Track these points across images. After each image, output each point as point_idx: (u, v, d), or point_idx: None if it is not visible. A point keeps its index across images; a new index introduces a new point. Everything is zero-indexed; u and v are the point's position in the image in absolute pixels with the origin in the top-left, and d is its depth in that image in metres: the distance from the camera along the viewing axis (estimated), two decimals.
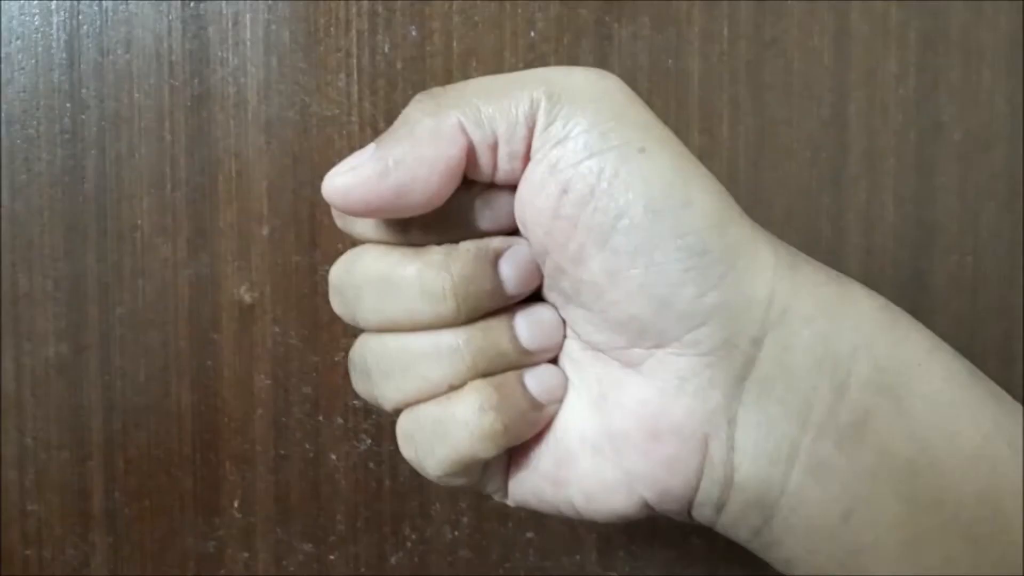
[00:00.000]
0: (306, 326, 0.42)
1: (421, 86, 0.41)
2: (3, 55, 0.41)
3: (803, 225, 0.42)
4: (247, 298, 0.42)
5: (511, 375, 0.27)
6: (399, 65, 0.41)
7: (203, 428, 0.42)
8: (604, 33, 0.41)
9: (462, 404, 0.26)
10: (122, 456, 0.42)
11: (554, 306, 0.28)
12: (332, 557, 0.43)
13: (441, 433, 0.27)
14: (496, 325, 0.27)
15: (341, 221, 0.28)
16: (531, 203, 0.26)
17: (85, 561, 0.42)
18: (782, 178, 0.42)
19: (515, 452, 0.28)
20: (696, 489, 0.26)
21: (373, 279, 0.27)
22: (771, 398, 0.25)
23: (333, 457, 0.43)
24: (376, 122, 0.41)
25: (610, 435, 0.27)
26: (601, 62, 0.41)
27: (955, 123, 0.42)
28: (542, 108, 0.25)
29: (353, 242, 0.28)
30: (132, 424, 0.42)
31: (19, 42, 0.41)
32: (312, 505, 0.43)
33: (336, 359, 0.42)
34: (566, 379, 0.28)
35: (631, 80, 0.41)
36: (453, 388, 0.27)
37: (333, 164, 0.41)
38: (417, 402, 0.27)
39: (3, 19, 0.41)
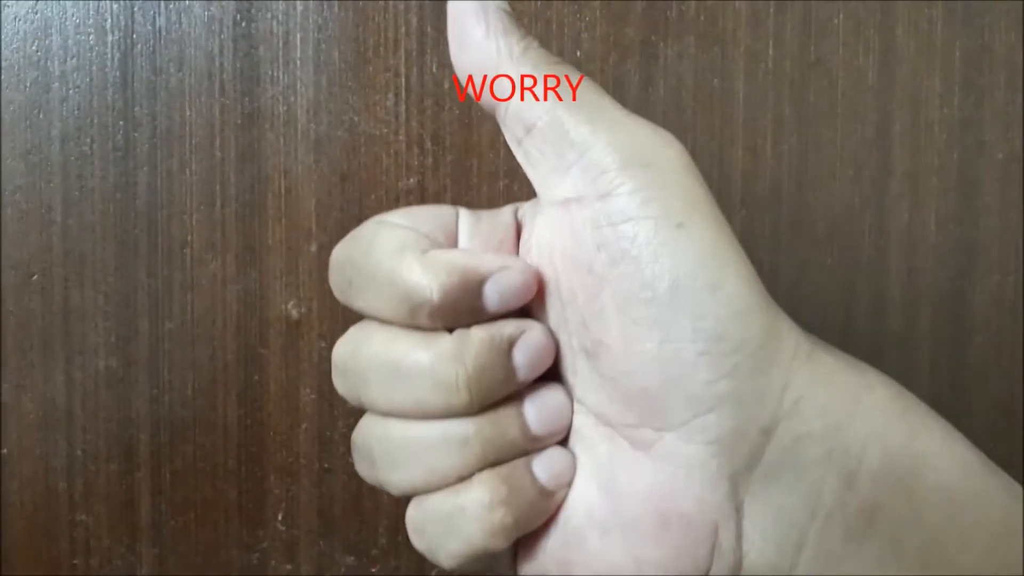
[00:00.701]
0: None
1: (467, 105, 0.42)
2: (58, 74, 0.42)
3: (845, 244, 0.43)
4: (294, 313, 0.43)
5: (519, 464, 0.27)
6: (446, 85, 0.42)
7: (249, 441, 0.43)
8: (650, 52, 0.42)
9: (471, 499, 0.26)
10: (169, 468, 0.43)
11: (567, 375, 0.28)
12: (374, 570, 0.43)
13: (452, 529, 0.26)
14: (505, 413, 0.27)
15: (342, 295, 0.28)
16: (570, 251, 0.26)
17: (131, 571, 0.43)
18: (825, 197, 0.42)
19: (524, 535, 0.28)
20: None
21: (381, 365, 0.26)
22: (780, 487, 0.25)
23: None
24: (423, 141, 0.42)
25: (619, 519, 0.26)
26: (647, 81, 0.42)
27: (999, 143, 0.42)
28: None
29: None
30: (179, 437, 0.43)
31: (74, 61, 0.42)
32: (354, 519, 0.43)
33: None
34: (575, 461, 0.28)
35: (676, 99, 0.42)
36: (462, 479, 0.26)
37: (380, 182, 0.42)
38: (425, 491, 0.27)
39: (58, 39, 0.41)
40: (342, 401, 0.42)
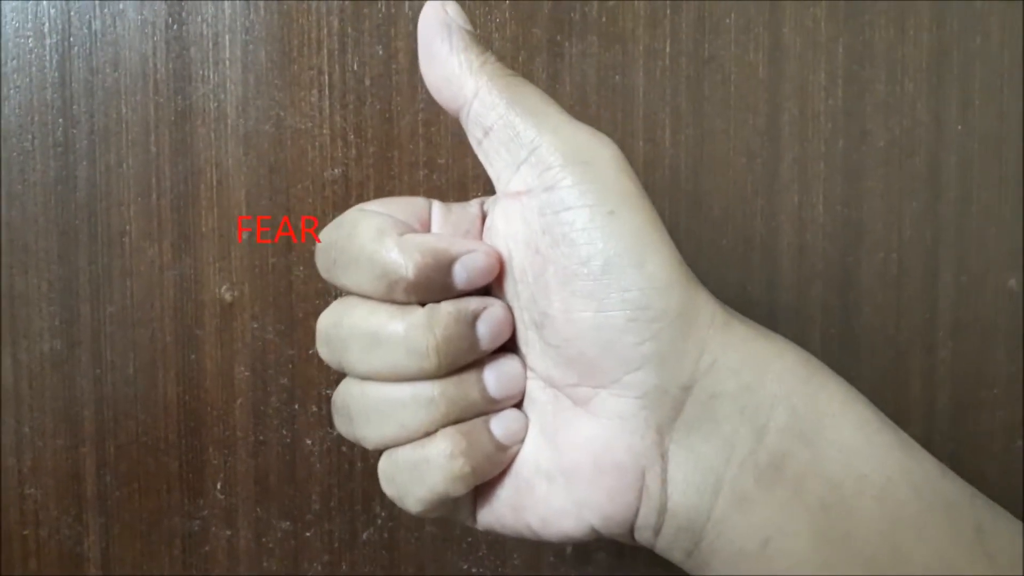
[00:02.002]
0: (283, 322, 0.44)
1: (388, 100, 0.43)
2: (0, 75, 0.42)
3: (740, 226, 0.44)
4: (227, 297, 0.44)
5: (478, 422, 0.30)
6: (367, 82, 0.43)
7: (188, 417, 0.44)
8: (556, 51, 0.44)
9: (435, 450, 0.29)
10: (113, 443, 0.44)
11: (521, 346, 0.30)
12: (308, 534, 0.45)
13: (418, 476, 0.29)
14: (468, 378, 0.30)
15: (327, 274, 0.30)
16: (521, 236, 0.29)
17: (79, 540, 0.44)
18: (720, 183, 0.44)
19: (480, 484, 0.31)
20: (636, 515, 0.28)
21: (360, 334, 0.29)
22: (699, 437, 0.28)
23: (308, 442, 0.45)
24: (346, 134, 0.43)
25: (562, 468, 0.29)
26: (553, 78, 0.44)
27: (880, 131, 0.44)
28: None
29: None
30: (122, 414, 0.44)
31: (14, 62, 0.42)
32: (289, 486, 0.45)
33: (310, 352, 0.44)
34: (527, 421, 0.31)
35: (581, 94, 0.44)
36: (428, 434, 0.29)
37: (306, 173, 0.44)
38: (396, 445, 0.30)
39: None
40: (274, 378, 0.44)
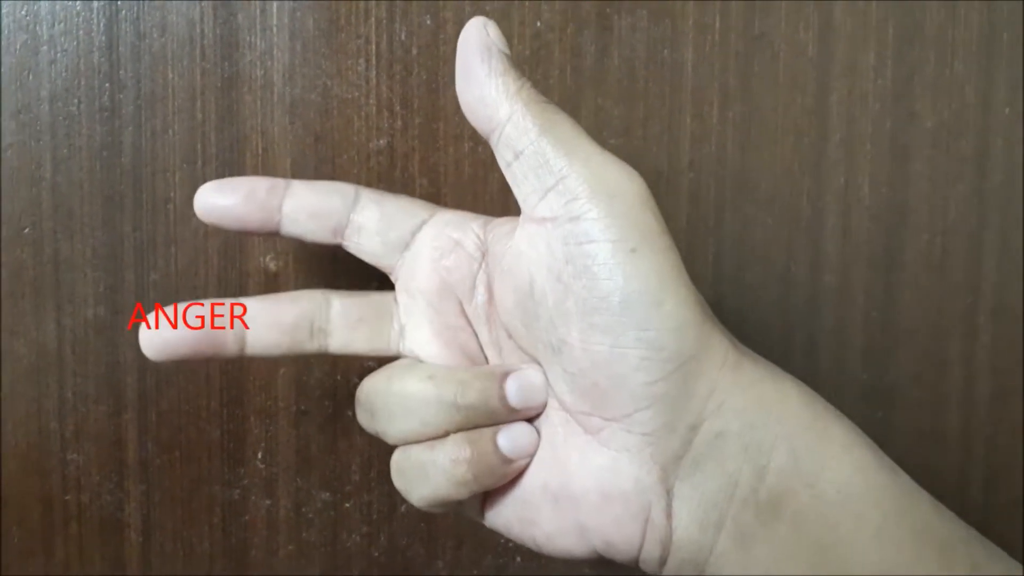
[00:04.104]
0: None
1: (435, 71, 0.43)
2: (47, 37, 0.42)
3: (785, 206, 0.44)
4: (272, 266, 0.44)
5: (487, 432, 0.31)
6: (414, 51, 0.43)
7: (230, 385, 0.44)
8: (605, 25, 0.43)
9: (442, 454, 0.31)
10: (155, 410, 0.44)
11: (541, 364, 0.32)
12: (347, 505, 0.45)
13: (424, 475, 0.31)
14: (490, 387, 0.31)
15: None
16: (544, 261, 0.30)
17: (120, 506, 0.44)
18: (767, 161, 0.44)
19: (490, 491, 0.32)
20: (640, 547, 0.29)
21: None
22: (703, 474, 0.29)
23: (349, 413, 0.45)
24: (392, 104, 0.43)
25: (570, 493, 0.30)
26: (602, 52, 0.43)
27: (928, 113, 0.44)
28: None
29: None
30: (164, 381, 0.44)
31: (61, 25, 0.42)
32: (330, 457, 0.45)
33: None
34: (538, 438, 0.32)
35: (630, 68, 0.44)
36: (446, 433, 0.31)
37: (352, 143, 0.43)
38: (414, 441, 0.32)
39: (46, 4, 0.42)
40: None
